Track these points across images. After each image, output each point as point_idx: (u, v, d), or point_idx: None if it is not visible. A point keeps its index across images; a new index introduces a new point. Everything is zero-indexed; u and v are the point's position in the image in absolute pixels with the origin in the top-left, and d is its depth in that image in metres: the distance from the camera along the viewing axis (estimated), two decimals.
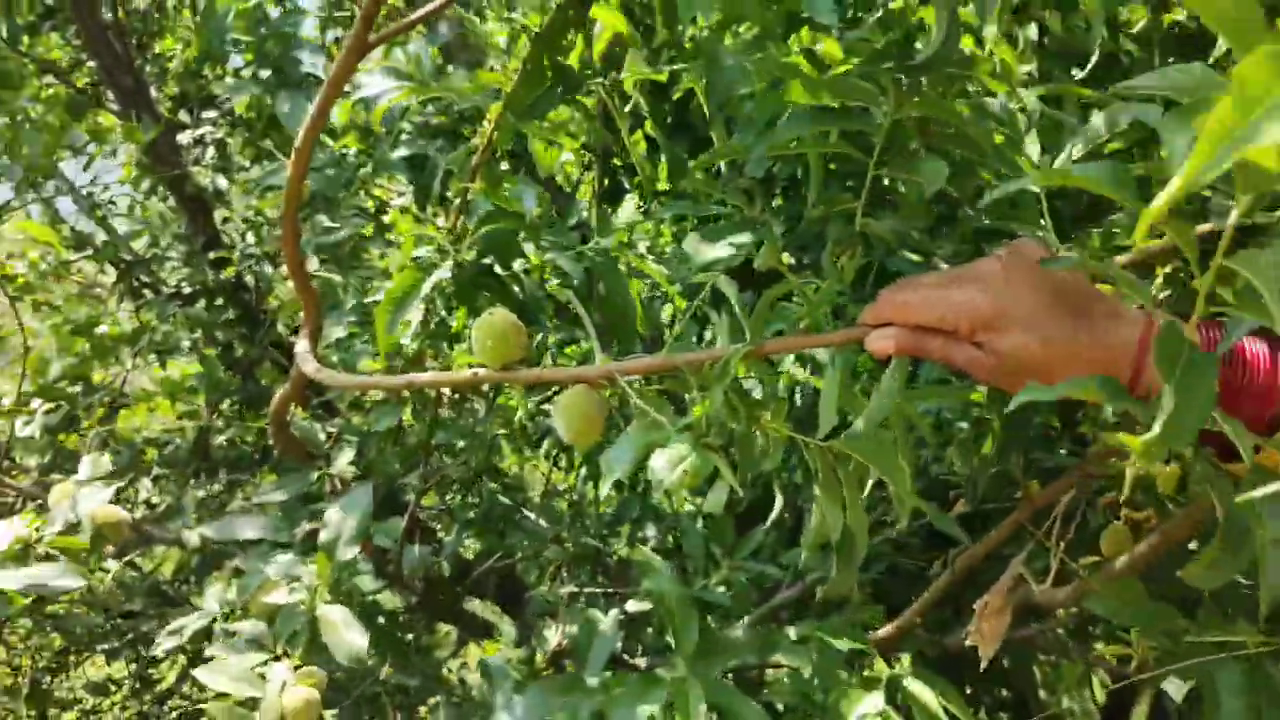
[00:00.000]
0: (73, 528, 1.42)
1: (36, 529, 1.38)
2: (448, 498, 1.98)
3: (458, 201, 0.92)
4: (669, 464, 0.65)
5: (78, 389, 2.98)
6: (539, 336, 1.12)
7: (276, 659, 1.20)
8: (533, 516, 1.75)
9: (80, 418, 2.97)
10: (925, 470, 1.78)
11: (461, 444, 1.58)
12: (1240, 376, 0.66)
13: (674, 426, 0.68)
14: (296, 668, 1.18)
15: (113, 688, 3.27)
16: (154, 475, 3.00)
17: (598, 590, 1.62)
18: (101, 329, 3.09)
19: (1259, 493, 0.42)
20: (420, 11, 0.77)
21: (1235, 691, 0.72)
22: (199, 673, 1.15)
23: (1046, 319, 0.69)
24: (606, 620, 1.28)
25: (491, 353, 0.78)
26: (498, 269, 0.94)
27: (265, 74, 1.80)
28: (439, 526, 2.05)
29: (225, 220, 3.32)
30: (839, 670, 1.16)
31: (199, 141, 3.24)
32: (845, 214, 0.80)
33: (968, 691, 2.08)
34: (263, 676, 1.14)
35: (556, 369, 0.79)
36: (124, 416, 3.09)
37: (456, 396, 1.66)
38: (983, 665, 1.10)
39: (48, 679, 3.32)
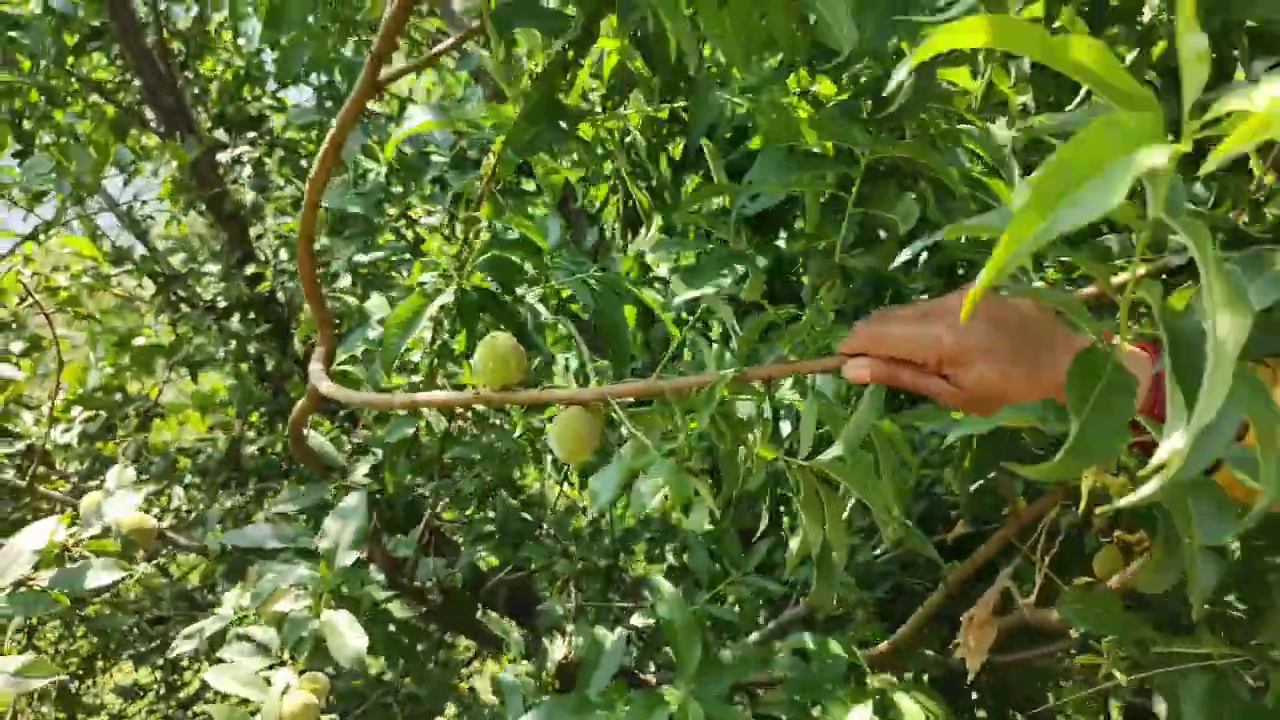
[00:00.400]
0: (105, 532, 1.48)
1: (72, 535, 1.45)
2: (466, 512, 2.03)
3: (464, 228, 0.97)
4: (651, 489, 0.69)
5: (115, 398, 3.06)
6: (536, 360, 1.16)
7: (282, 664, 1.25)
8: (548, 530, 1.80)
9: (117, 426, 3.06)
10: (928, 492, 1.81)
11: (477, 457, 1.63)
12: None
13: (659, 451, 0.72)
14: (301, 673, 1.23)
15: (140, 692, 3.34)
16: (186, 484, 3.08)
17: (608, 605, 1.66)
18: (139, 340, 3.19)
19: (1146, 490, 0.44)
20: (427, 55, 0.82)
21: (1198, 703, 0.75)
22: (209, 676, 1.20)
23: (1008, 352, 0.73)
24: (613, 638, 1.32)
25: (492, 374, 0.82)
26: (503, 294, 0.99)
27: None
28: (460, 540, 2.10)
29: (259, 237, 3.41)
30: (830, 683, 1.20)
31: (237, 160, 3.34)
32: (827, 248, 0.84)
33: (981, 715, 2.08)
34: (268, 681, 1.20)
35: (552, 391, 0.83)
36: (157, 428, 3.18)
37: (479, 413, 1.71)
38: (970, 676, 1.13)
39: (76, 684, 3.40)
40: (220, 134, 3.43)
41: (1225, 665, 0.76)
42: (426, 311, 0.93)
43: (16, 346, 3.18)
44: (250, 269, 3.17)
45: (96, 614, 2.73)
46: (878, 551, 1.87)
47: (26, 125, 3.41)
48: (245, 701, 1.18)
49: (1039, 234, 0.35)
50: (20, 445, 2.83)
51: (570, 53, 0.82)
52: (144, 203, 3.43)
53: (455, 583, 1.88)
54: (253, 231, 3.39)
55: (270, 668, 1.24)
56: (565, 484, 2.06)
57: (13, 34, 3.26)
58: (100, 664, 3.40)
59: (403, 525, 1.81)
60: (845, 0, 0.64)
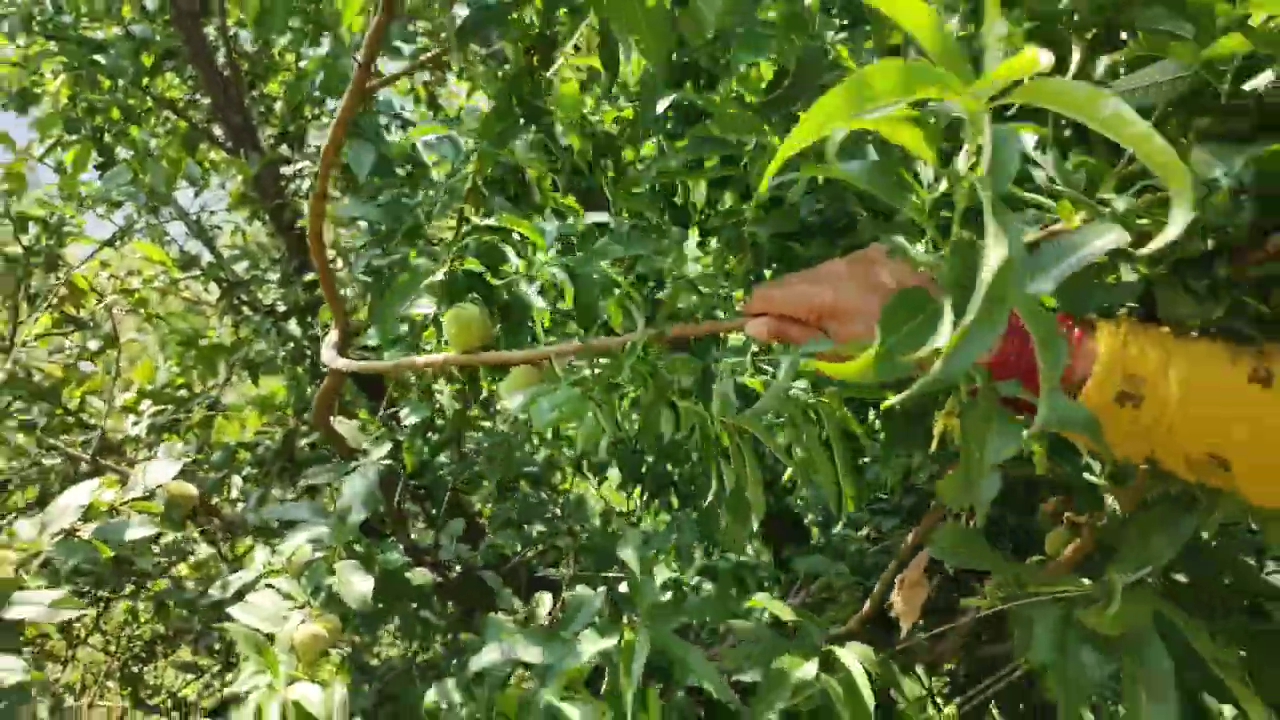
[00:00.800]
0: (148, 495, 1.66)
1: (120, 495, 1.62)
2: (488, 502, 2.18)
3: (455, 218, 1.11)
4: (550, 405, 0.83)
5: (181, 395, 3.28)
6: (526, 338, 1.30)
7: (301, 608, 1.40)
8: (558, 514, 1.94)
9: (182, 421, 3.28)
10: (914, 488, 1.91)
11: (487, 443, 1.78)
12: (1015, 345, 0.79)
13: (566, 382, 0.86)
14: (317, 616, 1.38)
15: (199, 671, 3.53)
16: (244, 475, 3.29)
17: (602, 576, 1.79)
18: (204, 341, 3.41)
19: (919, 385, 0.56)
20: (409, 65, 0.98)
21: (1049, 629, 0.85)
22: (234, 610, 1.36)
23: (878, 310, 0.84)
24: (594, 595, 1.46)
25: (456, 338, 0.97)
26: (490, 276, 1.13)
27: None
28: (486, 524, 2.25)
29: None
30: (781, 642, 1.31)
31: (297, 174, 3.55)
32: (738, 223, 0.97)
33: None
34: (285, 619, 1.35)
35: (506, 352, 0.97)
36: (218, 428, 3.39)
37: (483, 399, 1.86)
38: (903, 633, 1.23)
39: (139, 666, 3.62)
40: (283, 150, 3.65)
41: (1077, 596, 0.86)
42: (416, 289, 1.08)
43: (94, 344, 3.42)
44: (308, 276, 3.37)
45: (159, 591, 2.93)
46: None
47: (107, 140, 3.67)
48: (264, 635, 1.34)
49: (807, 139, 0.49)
50: (94, 434, 3.06)
51: (534, 58, 0.96)
52: (211, 213, 3.66)
53: (476, 562, 2.03)
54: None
55: (290, 610, 1.40)
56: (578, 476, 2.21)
57: (97, 57, 3.52)
58: (159, 648, 3.62)
59: (433, 515, 1.97)
60: None
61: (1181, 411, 0.72)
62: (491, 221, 1.05)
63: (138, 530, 1.48)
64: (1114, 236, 0.67)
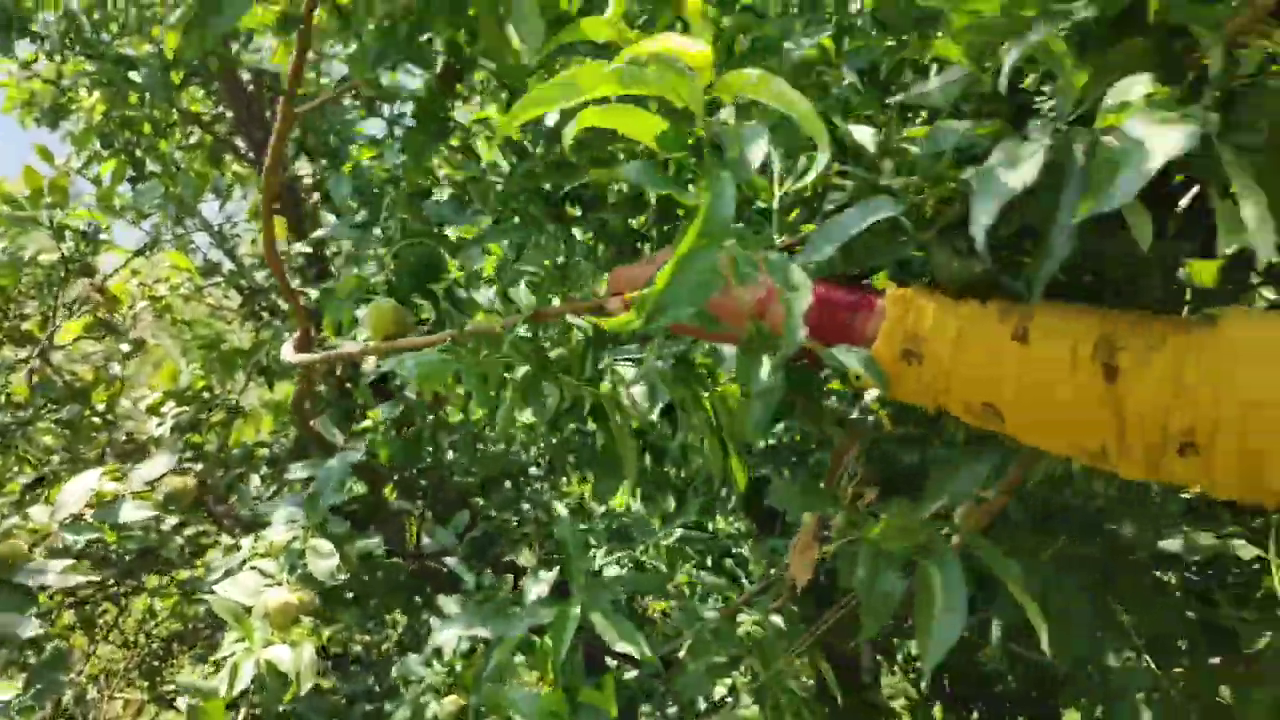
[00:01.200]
0: (149, 486, 1.80)
1: (123, 486, 1.77)
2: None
3: (396, 228, 1.24)
4: (415, 365, 0.96)
5: (203, 397, 3.45)
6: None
7: (278, 585, 1.54)
8: (528, 508, 2.07)
9: (203, 422, 3.45)
10: None
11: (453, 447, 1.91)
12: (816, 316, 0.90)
13: (439, 355, 0.98)
14: (293, 590, 1.52)
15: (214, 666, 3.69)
16: (261, 474, 3.45)
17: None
18: (225, 345, 3.58)
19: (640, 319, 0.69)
20: (331, 93, 1.11)
21: (868, 568, 0.94)
22: (219, 586, 1.50)
23: None
24: (547, 575, 1.58)
25: (375, 329, 1.09)
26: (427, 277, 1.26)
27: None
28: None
29: (336, 254, 3.78)
30: (707, 615, 1.42)
31: (316, 187, 3.71)
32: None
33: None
34: (263, 592, 1.49)
35: (410, 339, 1.10)
36: (236, 431, 3.56)
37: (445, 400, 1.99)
38: (796, 591, 1.34)
39: (158, 663, 3.79)
40: (303, 162, 3.82)
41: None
42: (362, 289, 1.21)
43: (124, 347, 3.60)
44: (324, 285, 3.53)
45: (181, 580, 3.09)
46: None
47: (138, 154, 3.86)
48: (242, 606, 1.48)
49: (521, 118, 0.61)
50: (121, 435, 3.23)
51: (441, 79, 1.08)
52: (235, 223, 3.83)
53: (458, 552, 2.16)
54: (328, 251, 3.77)
55: (268, 587, 1.54)
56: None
57: (131, 74, 3.70)
58: (176, 646, 3.79)
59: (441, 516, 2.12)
60: None
61: (954, 369, 0.81)
62: (419, 226, 1.18)
63: (133, 512, 1.62)
64: (886, 210, 0.79)
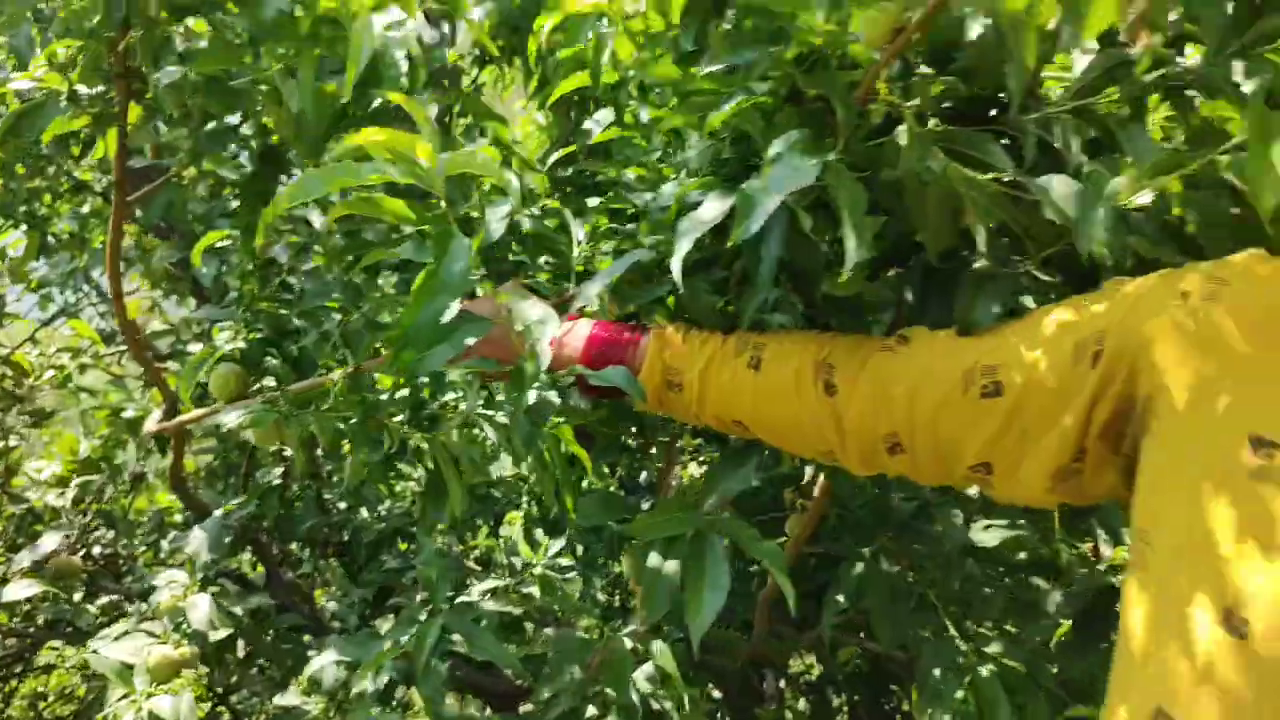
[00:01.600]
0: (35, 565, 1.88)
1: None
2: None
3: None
4: (239, 414, 1.06)
5: (101, 466, 3.47)
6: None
7: (163, 644, 1.62)
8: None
9: (104, 491, 3.46)
10: None
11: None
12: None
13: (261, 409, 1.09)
14: (177, 646, 1.59)
15: None
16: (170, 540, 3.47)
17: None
18: (128, 413, 3.60)
19: None
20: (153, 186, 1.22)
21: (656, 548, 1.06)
22: (105, 648, 1.57)
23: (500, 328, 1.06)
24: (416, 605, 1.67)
25: (219, 392, 1.19)
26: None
27: None
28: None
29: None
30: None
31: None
32: None
33: None
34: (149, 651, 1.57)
35: (214, 407, 1.20)
36: (140, 499, 3.58)
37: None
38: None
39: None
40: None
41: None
42: (213, 358, 1.29)
43: (23, 419, 3.61)
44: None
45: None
46: None
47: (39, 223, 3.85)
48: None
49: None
50: (23, 507, 3.24)
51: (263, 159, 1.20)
52: (134, 292, 3.85)
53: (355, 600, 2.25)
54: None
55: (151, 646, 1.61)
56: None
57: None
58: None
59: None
60: None
61: (704, 394, 0.98)
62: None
63: (20, 590, 1.69)
64: (640, 255, 0.99)
